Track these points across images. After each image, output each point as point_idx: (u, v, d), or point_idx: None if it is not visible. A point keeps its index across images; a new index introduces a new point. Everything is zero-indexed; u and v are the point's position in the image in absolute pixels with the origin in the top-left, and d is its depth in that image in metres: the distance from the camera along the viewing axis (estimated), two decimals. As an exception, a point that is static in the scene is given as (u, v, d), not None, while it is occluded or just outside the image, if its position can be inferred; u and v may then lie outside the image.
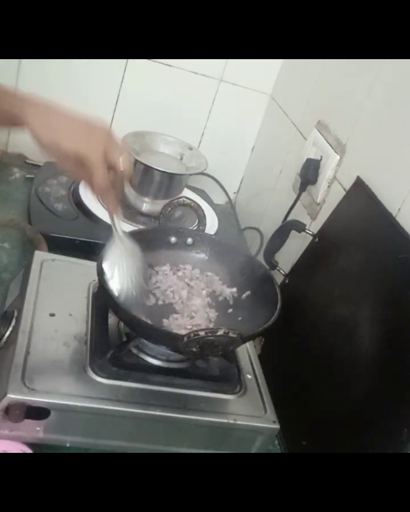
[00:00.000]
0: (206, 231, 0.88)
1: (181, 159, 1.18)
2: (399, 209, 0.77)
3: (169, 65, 1.26)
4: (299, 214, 1.05)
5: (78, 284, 0.83)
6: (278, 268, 1.00)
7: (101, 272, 0.70)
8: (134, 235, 0.81)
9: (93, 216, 1.08)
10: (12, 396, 0.62)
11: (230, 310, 0.81)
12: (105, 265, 0.72)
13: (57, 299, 0.78)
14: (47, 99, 0.71)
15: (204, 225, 0.87)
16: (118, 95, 1.28)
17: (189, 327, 0.75)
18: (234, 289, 0.82)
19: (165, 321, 0.76)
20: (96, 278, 0.72)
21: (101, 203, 0.71)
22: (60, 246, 0.97)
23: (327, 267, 0.87)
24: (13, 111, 0.69)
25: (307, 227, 0.95)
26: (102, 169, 0.68)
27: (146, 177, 1.12)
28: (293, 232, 0.96)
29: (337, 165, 0.96)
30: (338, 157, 0.96)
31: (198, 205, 0.86)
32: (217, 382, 0.75)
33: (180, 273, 0.82)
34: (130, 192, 1.15)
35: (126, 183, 0.73)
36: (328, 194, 0.98)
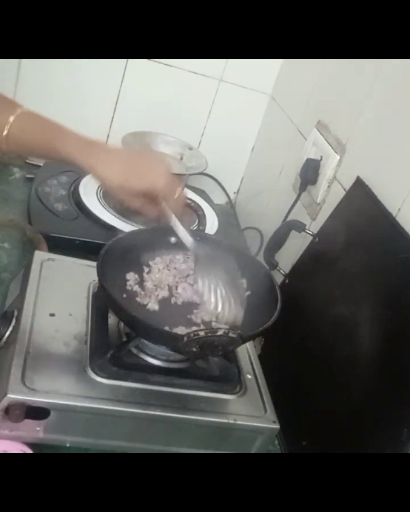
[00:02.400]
0: (206, 231, 0.88)
1: (181, 159, 1.18)
2: (399, 209, 0.77)
3: (169, 65, 1.26)
4: (299, 214, 1.05)
5: (78, 284, 0.83)
6: (278, 268, 1.00)
7: (101, 272, 0.70)
8: (134, 235, 0.81)
9: (93, 216, 1.08)
10: (12, 396, 0.62)
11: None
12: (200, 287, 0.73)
13: (57, 299, 0.78)
14: (103, 143, 0.75)
15: (204, 225, 0.87)
16: (118, 95, 1.28)
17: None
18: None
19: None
20: (96, 278, 0.72)
21: (176, 227, 0.75)
22: (60, 246, 0.97)
23: (327, 267, 0.87)
24: (74, 158, 0.72)
25: (307, 227, 0.95)
26: (174, 195, 0.74)
27: (146, 177, 1.12)
28: (293, 232, 0.96)
29: (337, 165, 0.96)
30: (338, 157, 0.96)
31: (198, 205, 0.86)
32: (217, 382, 0.75)
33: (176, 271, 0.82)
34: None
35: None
36: (328, 194, 0.98)
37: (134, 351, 0.74)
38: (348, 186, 0.89)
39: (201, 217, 0.87)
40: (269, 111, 1.35)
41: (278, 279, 0.90)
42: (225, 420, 0.71)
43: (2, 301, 0.83)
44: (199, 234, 0.85)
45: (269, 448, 0.77)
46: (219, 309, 0.72)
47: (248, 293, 0.80)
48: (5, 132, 0.71)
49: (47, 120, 0.74)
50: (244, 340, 0.67)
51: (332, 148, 0.98)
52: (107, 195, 1.14)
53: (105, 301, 0.78)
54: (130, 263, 0.79)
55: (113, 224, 1.07)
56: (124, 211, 1.14)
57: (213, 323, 0.74)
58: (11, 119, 0.72)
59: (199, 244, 0.75)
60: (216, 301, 0.73)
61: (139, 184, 0.72)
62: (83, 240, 1.02)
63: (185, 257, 0.83)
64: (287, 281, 0.97)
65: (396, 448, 0.62)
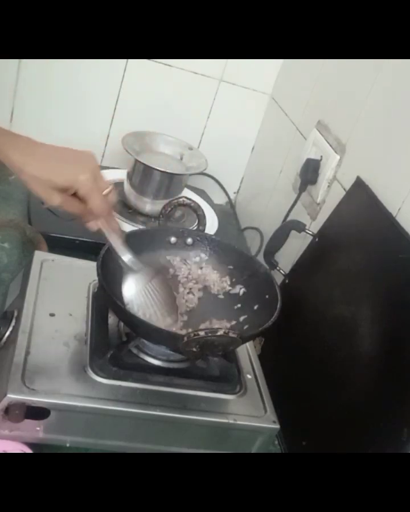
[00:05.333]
0: (206, 231, 0.88)
1: (181, 159, 1.18)
2: (399, 209, 0.77)
3: (169, 65, 1.26)
4: (299, 214, 1.05)
5: (78, 284, 0.83)
6: (278, 268, 1.00)
7: (101, 272, 0.70)
8: (134, 235, 0.81)
9: (93, 216, 1.08)
10: (12, 396, 0.62)
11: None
12: (128, 297, 0.71)
13: (57, 299, 0.78)
14: (29, 137, 0.69)
15: (204, 225, 0.87)
16: (118, 95, 1.28)
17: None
18: (235, 289, 0.82)
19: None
20: (96, 278, 0.72)
21: (104, 231, 0.71)
22: (60, 246, 0.97)
23: (327, 267, 0.87)
24: None
25: (307, 227, 0.95)
26: (97, 195, 0.68)
27: (146, 177, 1.12)
28: (293, 232, 0.96)
29: (337, 165, 0.96)
30: (338, 157, 0.96)
31: (198, 205, 0.86)
32: (217, 382, 0.75)
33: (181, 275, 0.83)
34: (130, 192, 1.15)
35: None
36: (328, 194, 0.98)
37: (134, 351, 0.74)
38: (348, 186, 0.89)
39: (201, 217, 0.86)
40: (269, 111, 1.35)
41: (278, 279, 0.90)
42: (225, 420, 0.71)
43: (2, 301, 0.83)
44: (198, 234, 0.85)
45: (269, 448, 0.77)
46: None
47: (243, 290, 0.81)
48: None
49: None
50: (244, 340, 0.67)
51: (332, 148, 0.98)
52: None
53: (105, 301, 0.78)
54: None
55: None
56: (124, 211, 1.14)
57: None
58: None
59: (129, 253, 0.72)
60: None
61: (57, 177, 0.66)
62: (83, 240, 1.02)
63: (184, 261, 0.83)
64: (287, 281, 0.97)
65: (396, 448, 0.62)
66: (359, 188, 0.86)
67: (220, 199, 1.40)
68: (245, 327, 0.76)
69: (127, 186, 1.15)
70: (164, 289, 0.75)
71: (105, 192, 0.69)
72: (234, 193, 1.46)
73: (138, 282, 0.72)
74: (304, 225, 0.95)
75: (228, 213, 1.37)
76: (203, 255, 0.85)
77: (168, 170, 1.10)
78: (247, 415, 0.72)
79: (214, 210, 1.26)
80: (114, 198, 0.72)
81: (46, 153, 0.68)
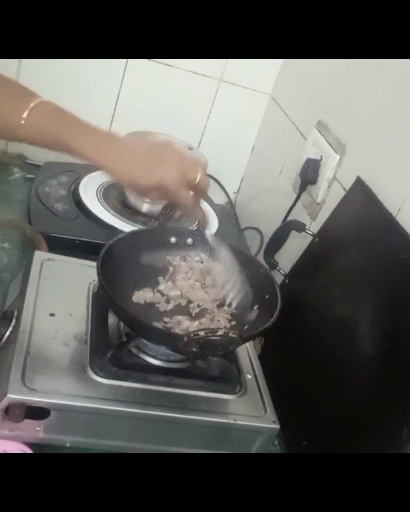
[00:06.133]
0: (206, 231, 0.88)
1: (181, 158, 1.18)
2: (399, 209, 0.77)
3: (169, 65, 1.26)
4: (299, 214, 1.05)
5: (78, 284, 0.82)
6: (278, 268, 1.00)
7: (101, 272, 0.70)
8: (134, 235, 0.81)
9: (93, 216, 1.08)
10: (12, 396, 0.62)
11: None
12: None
13: (57, 299, 0.78)
14: (113, 134, 0.75)
15: (204, 225, 0.87)
16: (118, 95, 1.28)
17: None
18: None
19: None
20: (96, 278, 0.72)
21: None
22: (60, 246, 0.97)
23: (327, 267, 0.87)
24: (82, 152, 0.71)
25: (307, 227, 0.95)
26: (184, 192, 0.73)
27: (146, 177, 1.12)
28: (293, 232, 0.96)
29: (337, 165, 0.96)
30: (338, 157, 0.96)
31: (198, 205, 0.86)
32: (217, 382, 0.75)
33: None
34: (130, 192, 1.15)
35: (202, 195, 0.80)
36: (328, 194, 0.98)
37: (134, 351, 0.74)
38: (348, 186, 0.89)
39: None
40: (269, 111, 1.35)
41: (278, 279, 0.90)
42: (225, 420, 0.71)
43: (2, 301, 0.83)
44: (198, 234, 0.85)
45: (269, 448, 0.77)
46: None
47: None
48: (24, 115, 0.70)
49: (65, 111, 0.73)
50: (244, 340, 0.67)
51: (332, 148, 0.98)
52: (107, 195, 1.15)
53: (105, 301, 0.78)
54: (130, 263, 0.79)
55: (113, 224, 1.07)
56: (124, 211, 1.14)
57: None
58: (32, 104, 0.71)
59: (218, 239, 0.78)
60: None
61: (145, 181, 0.72)
62: (83, 240, 1.02)
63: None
64: (287, 281, 0.97)
65: (396, 448, 0.62)
66: (359, 188, 0.86)
67: (220, 199, 1.40)
68: (245, 327, 0.76)
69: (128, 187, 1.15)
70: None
71: (197, 178, 0.74)
72: (234, 193, 1.46)
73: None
74: (304, 225, 0.95)
75: (228, 213, 1.37)
76: (203, 255, 0.84)
77: (168, 170, 1.10)
78: (247, 415, 0.72)
79: (214, 210, 1.26)
80: (206, 182, 0.77)
81: (132, 156, 0.73)
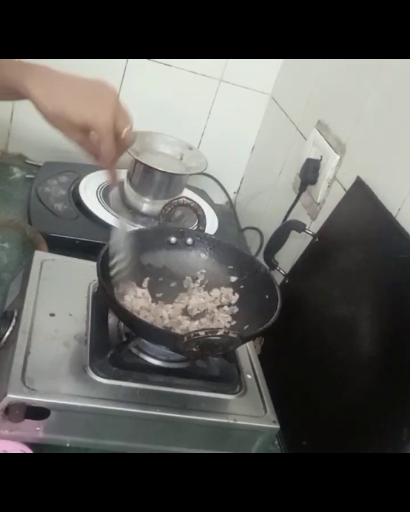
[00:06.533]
0: (206, 231, 0.88)
1: (181, 159, 1.18)
2: (399, 209, 0.77)
3: (169, 65, 1.26)
4: (299, 214, 1.05)
5: (78, 284, 0.82)
6: (278, 268, 1.00)
7: (101, 272, 0.70)
8: (134, 235, 0.81)
9: (93, 216, 1.08)
10: (12, 396, 0.62)
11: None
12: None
13: (57, 299, 0.78)
14: (49, 66, 0.67)
15: (204, 225, 0.87)
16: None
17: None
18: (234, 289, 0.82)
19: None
20: (96, 278, 0.72)
21: (107, 172, 0.70)
22: (60, 246, 0.97)
23: (327, 267, 0.87)
24: (14, 80, 0.65)
25: (307, 227, 0.95)
26: (111, 139, 0.66)
27: (146, 177, 1.12)
28: (293, 232, 0.96)
29: (337, 165, 0.96)
30: (338, 157, 0.96)
31: (198, 205, 0.86)
32: (217, 382, 0.75)
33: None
34: (130, 192, 1.15)
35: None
36: (328, 194, 0.98)
37: (134, 351, 0.74)
38: (348, 186, 0.89)
39: (201, 217, 0.86)
40: (269, 111, 1.35)
41: (278, 279, 0.90)
42: (225, 420, 0.71)
43: (2, 301, 0.83)
44: (198, 234, 0.85)
45: (269, 448, 0.77)
46: None
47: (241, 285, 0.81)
48: None
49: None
50: (244, 340, 0.67)
51: (332, 148, 0.98)
52: (107, 195, 1.15)
53: (105, 301, 0.78)
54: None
55: (113, 224, 1.07)
56: (124, 211, 1.14)
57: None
58: None
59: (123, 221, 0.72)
60: None
61: (76, 116, 0.64)
62: (83, 240, 1.02)
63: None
64: (287, 281, 0.97)
65: (396, 448, 0.62)
66: (359, 188, 0.86)
67: (220, 199, 1.40)
68: (245, 327, 0.76)
69: (127, 186, 1.15)
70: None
71: (124, 131, 0.67)
72: (234, 193, 1.46)
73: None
74: (304, 225, 0.95)
75: (228, 213, 1.37)
76: (203, 255, 0.85)
77: (168, 170, 1.10)
78: (247, 415, 0.72)
79: (214, 210, 1.26)
80: (132, 137, 0.70)
81: (66, 87, 0.66)
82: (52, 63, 1.16)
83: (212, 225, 1.18)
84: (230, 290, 0.82)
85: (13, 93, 0.67)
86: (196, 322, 0.77)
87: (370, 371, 0.71)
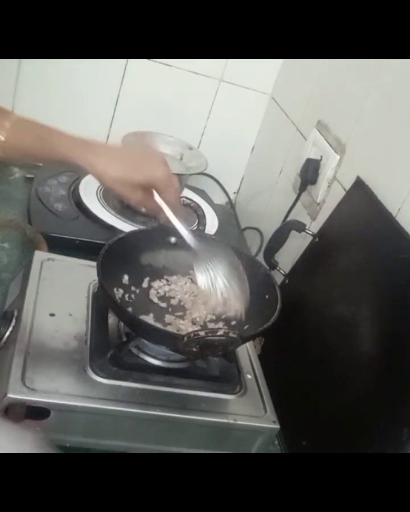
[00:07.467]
0: (206, 231, 0.88)
1: (181, 159, 1.18)
2: (399, 209, 0.77)
3: (169, 65, 1.26)
4: (299, 214, 1.05)
5: (78, 284, 0.83)
6: (278, 268, 1.00)
7: (101, 272, 0.70)
8: (134, 235, 0.81)
9: (93, 216, 1.08)
10: (12, 396, 0.62)
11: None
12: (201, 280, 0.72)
13: (57, 299, 0.78)
14: (100, 142, 0.76)
15: (204, 225, 0.87)
16: (118, 95, 1.28)
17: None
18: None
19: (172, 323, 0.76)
20: (96, 278, 0.72)
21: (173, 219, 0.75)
22: (60, 246, 0.97)
23: (327, 267, 0.87)
24: (74, 157, 0.72)
25: (307, 227, 0.95)
26: (173, 186, 0.74)
27: (146, 177, 1.12)
28: (293, 232, 0.96)
29: (337, 165, 0.96)
30: (338, 157, 0.96)
31: (198, 205, 0.86)
32: (217, 382, 0.75)
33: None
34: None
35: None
36: (328, 194, 0.98)
37: (134, 351, 0.74)
38: (348, 186, 0.89)
39: (201, 217, 0.86)
40: (269, 111, 1.35)
41: (278, 279, 0.90)
42: (225, 420, 0.71)
43: (2, 301, 0.83)
44: (198, 234, 0.85)
45: (269, 448, 0.77)
46: (222, 298, 0.72)
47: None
48: (2, 139, 0.71)
49: (42, 125, 0.74)
50: (244, 340, 0.67)
51: (332, 148, 0.98)
52: (107, 195, 1.15)
53: (105, 301, 0.78)
54: (130, 263, 0.79)
55: (113, 224, 1.07)
56: (124, 211, 1.14)
57: (219, 311, 0.75)
58: (7, 125, 0.71)
59: (197, 239, 0.75)
60: (220, 294, 0.72)
61: (137, 176, 0.72)
62: (83, 240, 1.02)
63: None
64: (287, 281, 0.97)
65: (396, 448, 0.62)
66: (359, 188, 0.86)
67: (220, 199, 1.40)
68: (245, 327, 0.76)
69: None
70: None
71: (175, 187, 0.75)
72: (234, 193, 1.46)
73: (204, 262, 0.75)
74: (304, 225, 0.95)
75: (228, 213, 1.37)
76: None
77: (168, 170, 1.10)
78: (247, 415, 0.72)
79: (214, 210, 1.26)
80: (180, 191, 0.79)
81: (123, 156, 0.75)
82: (52, 63, 1.17)
83: (212, 225, 1.18)
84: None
85: (59, 162, 0.75)
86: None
87: (370, 371, 0.71)
